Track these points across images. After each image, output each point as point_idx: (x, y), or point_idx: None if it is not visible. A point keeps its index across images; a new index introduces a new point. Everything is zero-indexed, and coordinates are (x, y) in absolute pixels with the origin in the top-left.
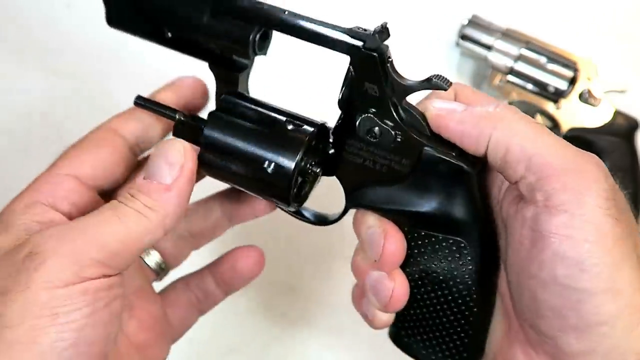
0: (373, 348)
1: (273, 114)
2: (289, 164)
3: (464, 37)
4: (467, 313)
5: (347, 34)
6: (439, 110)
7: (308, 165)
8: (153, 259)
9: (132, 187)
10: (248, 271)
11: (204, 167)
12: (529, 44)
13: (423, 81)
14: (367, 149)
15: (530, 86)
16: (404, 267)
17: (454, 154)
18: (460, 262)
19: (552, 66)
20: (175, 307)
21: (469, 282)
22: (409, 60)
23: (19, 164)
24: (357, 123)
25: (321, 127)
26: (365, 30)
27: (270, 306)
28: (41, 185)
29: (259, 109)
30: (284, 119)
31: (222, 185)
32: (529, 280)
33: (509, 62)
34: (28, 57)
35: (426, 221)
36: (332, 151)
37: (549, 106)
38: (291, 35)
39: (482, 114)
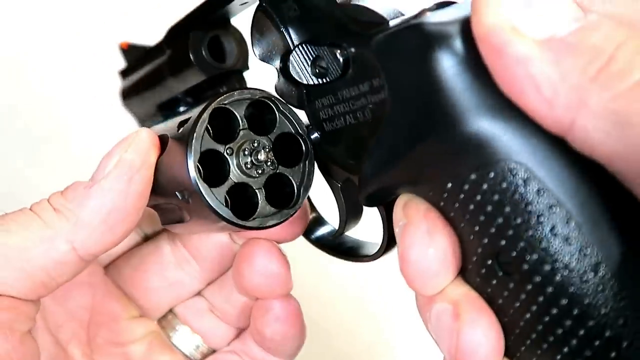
0: (374, 348)
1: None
2: (184, 170)
3: None
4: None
5: None
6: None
7: (240, 159)
8: (191, 342)
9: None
10: (280, 335)
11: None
12: None
13: None
14: (337, 96)
15: None
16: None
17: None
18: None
19: None
20: None
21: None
22: None
23: None
24: (296, 66)
25: (225, 97)
26: None
27: None
28: None
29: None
30: (172, 125)
31: None
32: None
33: None
34: None
35: (457, 153)
36: (315, 135)
37: None
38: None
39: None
